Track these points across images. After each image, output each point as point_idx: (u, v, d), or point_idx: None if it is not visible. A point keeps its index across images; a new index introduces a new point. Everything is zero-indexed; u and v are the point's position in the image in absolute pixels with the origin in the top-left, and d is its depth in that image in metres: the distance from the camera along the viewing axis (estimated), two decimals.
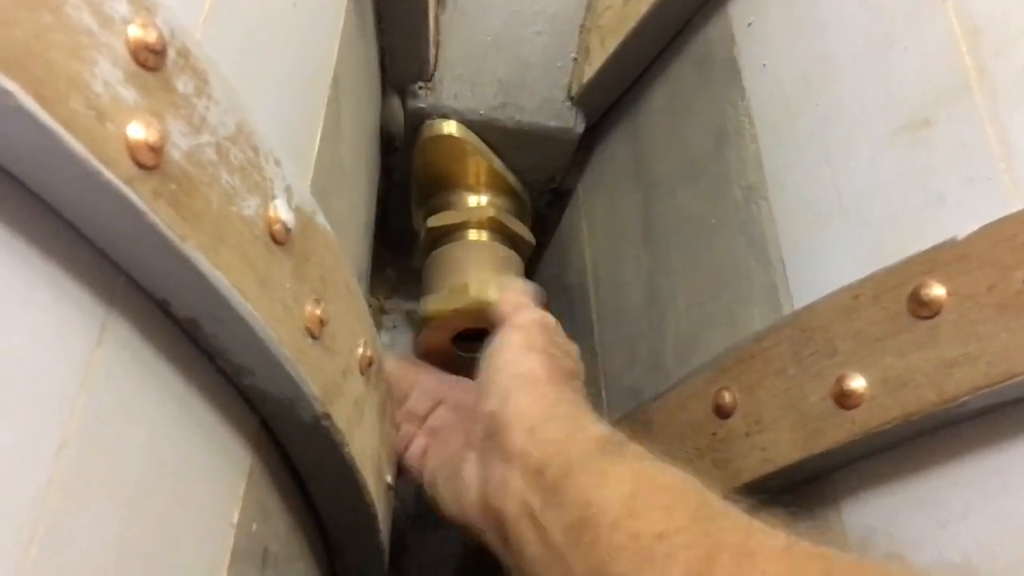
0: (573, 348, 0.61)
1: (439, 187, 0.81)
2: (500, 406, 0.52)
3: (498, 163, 0.80)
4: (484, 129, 0.78)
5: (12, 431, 0.26)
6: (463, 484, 0.54)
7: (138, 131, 0.27)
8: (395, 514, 0.65)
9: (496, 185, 0.81)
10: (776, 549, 0.37)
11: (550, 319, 0.60)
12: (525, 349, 0.56)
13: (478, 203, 0.81)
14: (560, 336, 0.60)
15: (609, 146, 0.79)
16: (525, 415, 0.51)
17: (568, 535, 0.44)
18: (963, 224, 0.42)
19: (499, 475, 0.50)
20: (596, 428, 0.49)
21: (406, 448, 0.61)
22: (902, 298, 0.43)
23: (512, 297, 0.62)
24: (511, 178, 0.82)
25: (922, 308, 0.42)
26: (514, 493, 0.48)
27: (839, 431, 0.45)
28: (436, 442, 0.61)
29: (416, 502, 0.85)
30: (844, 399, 0.44)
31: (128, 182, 0.27)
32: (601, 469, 0.45)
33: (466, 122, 0.77)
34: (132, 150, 0.27)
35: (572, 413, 0.50)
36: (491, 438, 0.52)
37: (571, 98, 0.78)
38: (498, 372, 0.55)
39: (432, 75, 0.75)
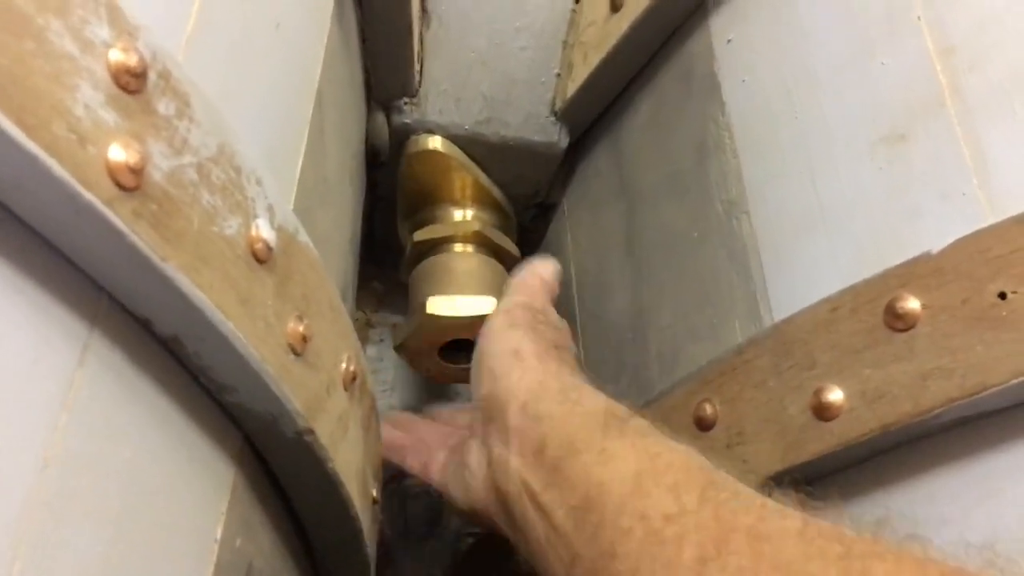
0: (563, 323, 0.61)
1: (425, 201, 0.82)
2: (491, 387, 0.52)
3: (483, 177, 0.81)
4: (469, 144, 0.79)
5: None
6: (469, 472, 0.53)
7: (119, 153, 0.28)
8: (380, 529, 0.65)
9: (481, 199, 0.82)
10: (791, 531, 0.36)
11: (536, 300, 0.60)
12: (508, 328, 0.56)
13: (463, 217, 0.81)
14: (547, 312, 0.60)
15: (593, 160, 0.80)
16: (515, 392, 0.50)
17: (572, 516, 0.43)
18: (940, 238, 0.43)
19: (498, 455, 0.49)
20: (594, 400, 0.48)
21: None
22: (878, 311, 0.44)
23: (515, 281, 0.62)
24: (496, 192, 0.82)
25: (898, 321, 0.43)
26: (514, 472, 0.47)
27: (818, 443, 0.45)
28: (448, 450, 0.61)
29: (401, 517, 0.85)
30: (823, 411, 0.45)
31: (108, 203, 0.27)
32: (603, 447, 0.44)
33: (451, 137, 0.78)
34: (113, 172, 0.27)
35: (564, 386, 0.50)
36: (489, 421, 0.52)
37: (555, 113, 0.78)
38: (485, 355, 0.55)
39: (417, 91, 0.75)
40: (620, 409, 0.47)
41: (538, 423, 0.48)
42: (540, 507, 0.45)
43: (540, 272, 0.63)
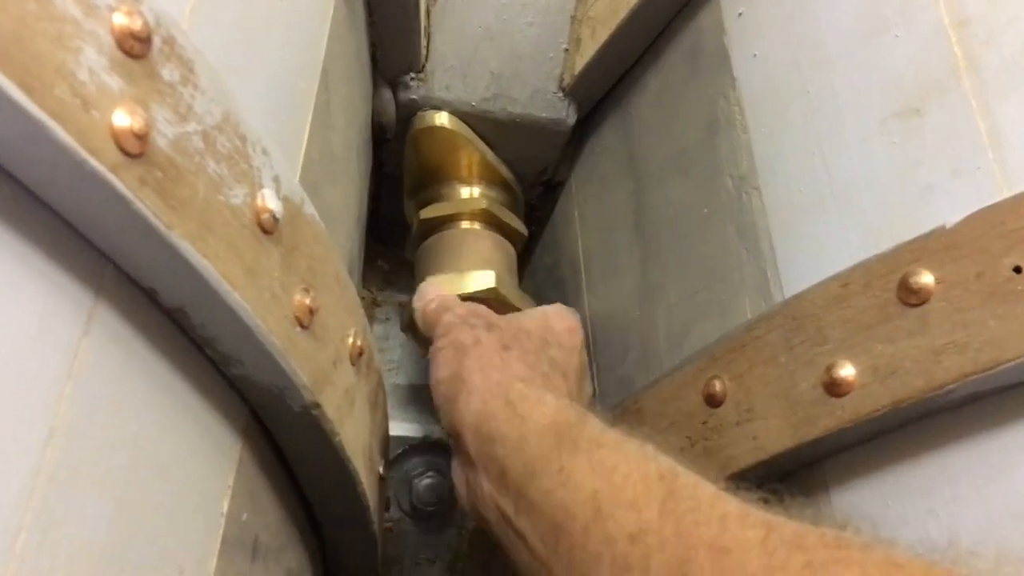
0: (507, 320, 0.60)
1: (431, 179, 0.81)
2: (446, 418, 0.53)
3: (490, 154, 0.80)
4: (476, 120, 0.78)
5: (0, 419, 0.26)
6: (459, 495, 0.54)
7: (123, 119, 0.27)
8: (387, 506, 0.65)
9: (488, 177, 0.81)
10: (753, 543, 0.35)
11: (458, 307, 0.60)
12: (448, 349, 0.55)
13: (470, 194, 0.81)
14: (477, 315, 0.59)
15: (601, 137, 0.79)
16: (464, 417, 0.50)
17: (546, 543, 0.43)
18: (952, 213, 0.43)
19: (474, 480, 0.50)
20: (542, 412, 0.47)
21: None
22: (891, 286, 0.43)
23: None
24: (503, 169, 0.82)
25: (911, 296, 0.42)
26: (488, 498, 0.48)
27: (829, 419, 0.45)
28: None
29: (408, 495, 0.85)
30: (834, 387, 0.45)
31: (113, 170, 0.27)
32: (561, 467, 0.43)
33: (458, 113, 0.77)
34: (117, 138, 0.27)
35: (509, 399, 0.49)
36: (456, 450, 0.52)
37: (563, 89, 0.78)
38: (434, 385, 0.55)
39: (423, 66, 0.75)
40: (571, 415, 0.46)
41: (492, 445, 0.48)
42: (517, 532, 0.45)
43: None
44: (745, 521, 0.37)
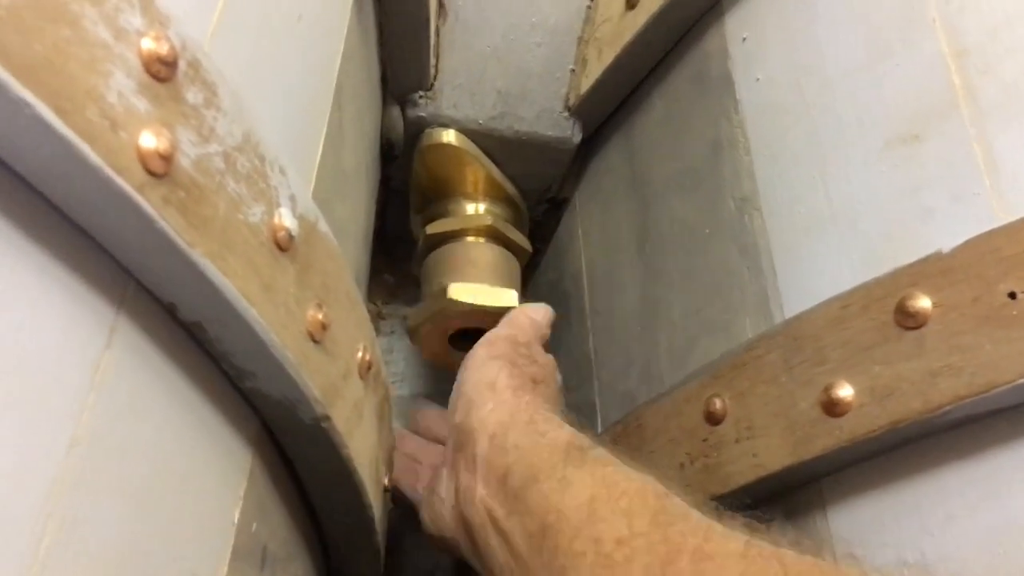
0: (547, 360, 0.63)
1: (437, 195, 0.82)
2: (464, 417, 0.54)
3: (496, 172, 0.81)
4: (483, 138, 0.79)
5: (26, 427, 0.26)
6: (438, 499, 0.55)
7: (150, 140, 0.28)
8: (390, 517, 0.66)
9: (494, 193, 0.82)
10: (734, 552, 0.37)
11: (522, 335, 0.62)
12: (488, 359, 0.57)
13: (476, 211, 0.82)
14: (531, 348, 0.61)
15: (606, 156, 0.80)
16: (487, 423, 0.52)
17: (530, 542, 0.44)
18: (951, 238, 0.43)
19: (466, 483, 0.51)
20: (559, 433, 0.49)
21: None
22: (889, 309, 0.44)
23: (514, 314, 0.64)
24: (509, 187, 0.83)
25: (908, 319, 0.43)
26: (479, 501, 0.49)
27: (827, 438, 0.46)
28: (423, 469, 0.63)
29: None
30: (833, 407, 0.45)
31: (139, 189, 0.28)
32: (564, 476, 0.45)
33: (465, 131, 0.78)
34: (144, 158, 0.28)
35: (533, 418, 0.51)
36: (459, 449, 0.53)
37: (569, 109, 0.79)
38: (463, 384, 0.57)
39: (432, 84, 0.76)
40: (584, 440, 0.49)
41: (505, 454, 0.50)
42: (501, 533, 0.47)
43: (531, 313, 0.66)
44: (728, 535, 0.39)
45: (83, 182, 0.27)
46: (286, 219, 0.36)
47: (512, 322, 0.64)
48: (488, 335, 0.62)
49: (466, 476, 0.52)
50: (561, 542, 0.42)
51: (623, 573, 0.39)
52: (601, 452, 0.47)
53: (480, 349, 0.59)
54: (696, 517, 0.41)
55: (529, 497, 0.46)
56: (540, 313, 0.66)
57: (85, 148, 0.26)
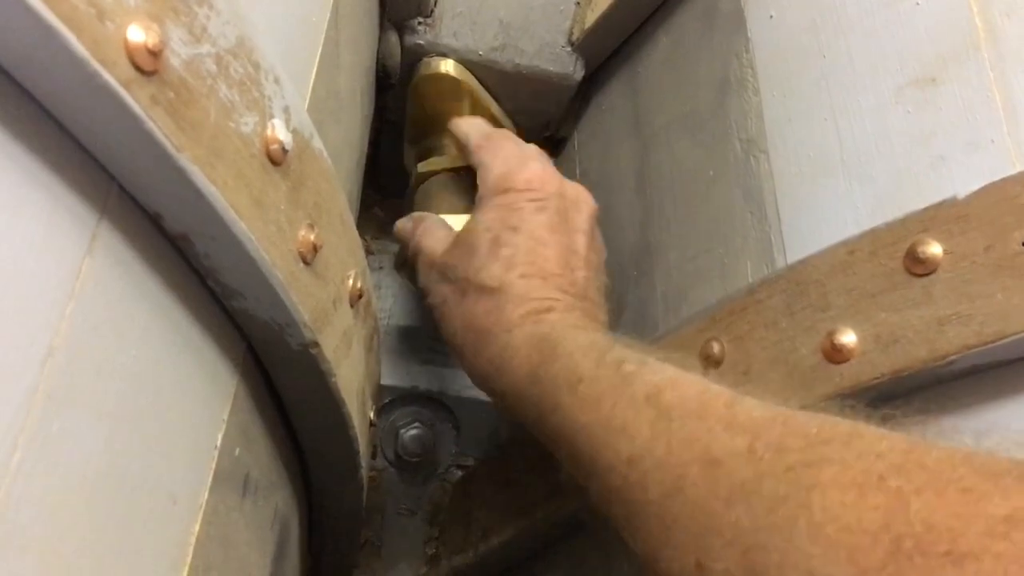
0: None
1: (433, 128, 0.80)
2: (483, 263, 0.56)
3: (495, 107, 0.79)
4: (482, 70, 0.77)
5: (0, 336, 0.25)
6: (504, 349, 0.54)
7: (138, 34, 0.27)
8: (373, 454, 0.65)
9: None
10: (741, 451, 0.36)
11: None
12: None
13: None
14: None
15: (608, 95, 0.78)
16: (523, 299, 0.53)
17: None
18: (964, 185, 0.42)
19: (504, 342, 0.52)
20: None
21: None
22: (898, 255, 0.43)
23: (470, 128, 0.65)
24: (506, 123, 0.80)
25: (918, 265, 0.42)
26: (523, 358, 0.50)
27: (827, 384, 0.45)
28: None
29: (393, 445, 0.85)
30: (834, 353, 0.44)
31: (126, 85, 0.26)
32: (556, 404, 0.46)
33: (464, 62, 0.76)
34: (131, 53, 0.26)
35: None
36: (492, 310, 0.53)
37: (571, 43, 0.76)
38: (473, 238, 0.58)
39: (432, 11, 0.73)
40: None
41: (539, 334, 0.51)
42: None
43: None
44: (732, 427, 0.38)
45: (66, 74, 0.26)
46: (280, 132, 0.35)
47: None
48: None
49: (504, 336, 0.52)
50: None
51: (640, 493, 0.39)
52: (576, 365, 0.47)
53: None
54: (695, 410, 0.40)
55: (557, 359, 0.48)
56: None
57: (69, 36, 0.25)
